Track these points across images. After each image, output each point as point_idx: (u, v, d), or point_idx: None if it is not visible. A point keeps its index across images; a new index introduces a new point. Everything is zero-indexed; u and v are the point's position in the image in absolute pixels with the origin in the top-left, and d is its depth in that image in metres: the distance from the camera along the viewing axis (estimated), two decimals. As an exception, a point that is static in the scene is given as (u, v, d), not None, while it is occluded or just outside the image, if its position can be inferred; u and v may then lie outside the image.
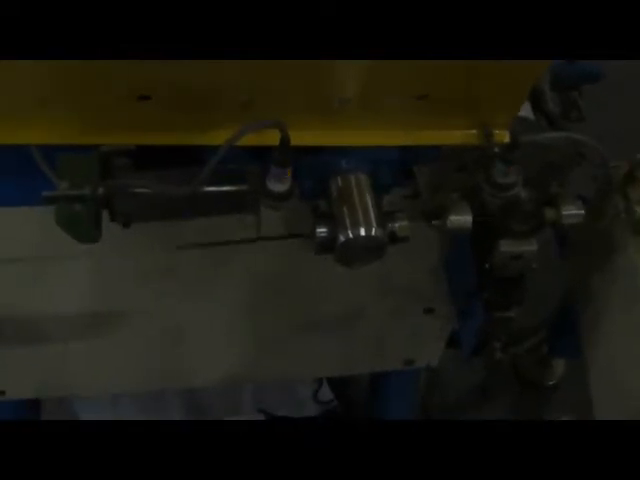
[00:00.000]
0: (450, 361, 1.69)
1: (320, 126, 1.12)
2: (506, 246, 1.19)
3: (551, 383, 2.33)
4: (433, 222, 1.19)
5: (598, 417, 1.42)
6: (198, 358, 1.55)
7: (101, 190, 1.06)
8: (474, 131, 1.16)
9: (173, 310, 1.44)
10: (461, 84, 1.09)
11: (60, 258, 1.28)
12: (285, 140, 1.04)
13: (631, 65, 1.12)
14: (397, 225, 1.15)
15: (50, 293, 1.36)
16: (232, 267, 1.37)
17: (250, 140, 1.05)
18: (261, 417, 2.09)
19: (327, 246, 1.13)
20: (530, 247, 1.20)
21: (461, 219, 1.18)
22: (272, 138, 1.05)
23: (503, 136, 1.16)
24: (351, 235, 1.11)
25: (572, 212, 1.20)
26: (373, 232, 1.12)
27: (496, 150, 1.15)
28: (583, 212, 1.20)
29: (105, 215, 1.10)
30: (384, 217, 1.14)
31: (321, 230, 1.13)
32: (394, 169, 1.20)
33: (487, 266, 1.23)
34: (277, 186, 1.09)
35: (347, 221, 1.12)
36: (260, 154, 1.09)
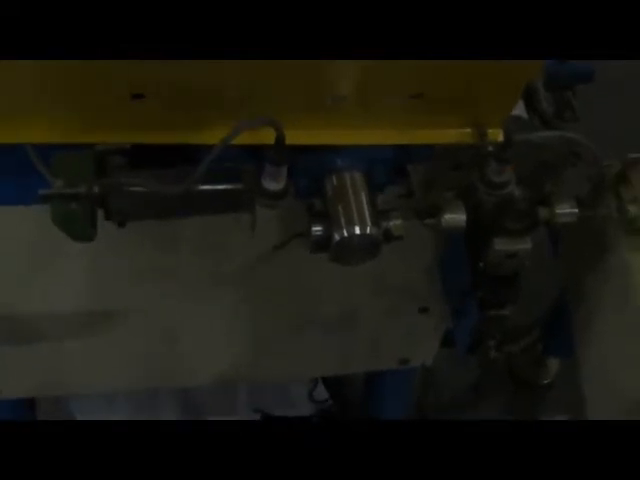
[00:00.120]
0: (445, 360, 1.70)
1: (315, 125, 1.12)
2: (500, 244, 1.20)
3: (545, 382, 2.33)
4: (427, 221, 1.20)
5: (591, 416, 1.43)
6: (194, 358, 1.55)
7: (96, 188, 1.06)
8: (468, 130, 1.17)
9: (169, 309, 1.44)
10: (455, 83, 1.09)
11: (56, 257, 1.28)
12: (280, 139, 1.05)
13: (624, 66, 1.12)
14: (392, 224, 1.15)
15: (46, 292, 1.36)
16: (228, 267, 1.37)
17: (245, 139, 1.05)
18: (256, 416, 2.09)
19: (322, 245, 1.14)
20: (524, 245, 1.20)
21: (455, 218, 1.18)
22: (267, 137, 1.06)
23: (497, 135, 1.16)
24: (346, 233, 1.12)
25: (566, 211, 1.21)
26: (368, 230, 1.12)
27: (490, 149, 1.16)
28: (577, 211, 1.21)
29: (101, 214, 1.11)
30: (379, 216, 1.14)
31: (316, 229, 1.14)
32: (389, 168, 1.21)
33: (481, 265, 1.23)
34: (272, 185, 1.09)
35: (342, 220, 1.13)
36: (255, 153, 1.09)
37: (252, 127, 1.05)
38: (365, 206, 1.14)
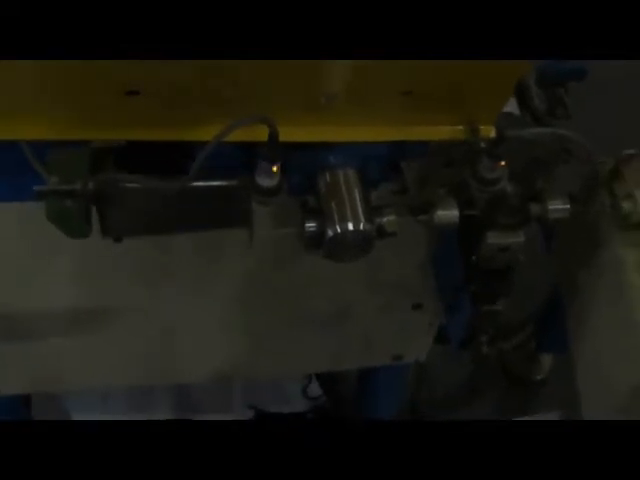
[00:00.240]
0: (438, 356, 1.70)
1: (308, 122, 1.12)
2: (493, 238, 1.20)
3: (539, 378, 2.33)
4: (420, 217, 1.20)
5: (585, 412, 1.43)
6: (188, 354, 1.55)
7: (91, 185, 1.07)
8: (460, 127, 1.17)
9: (164, 307, 1.44)
10: (447, 81, 1.10)
11: (52, 254, 1.29)
12: (274, 135, 1.05)
13: (616, 63, 1.13)
14: (385, 220, 1.15)
15: (42, 289, 1.36)
16: (222, 264, 1.37)
17: (239, 136, 1.05)
18: (251, 413, 2.09)
19: (316, 241, 1.14)
20: (517, 239, 1.21)
21: (448, 214, 1.19)
22: (261, 134, 1.06)
23: (489, 131, 1.17)
24: (339, 230, 1.12)
25: (558, 207, 1.22)
26: (361, 227, 1.13)
27: (482, 145, 1.16)
28: (569, 207, 1.22)
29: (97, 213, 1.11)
30: (372, 212, 1.15)
31: (310, 225, 1.14)
32: (382, 164, 1.21)
33: (474, 259, 1.24)
34: (266, 181, 1.09)
35: (335, 216, 1.13)
36: (249, 149, 1.10)
37: (245, 125, 1.05)
38: (358, 202, 1.14)
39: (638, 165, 1.26)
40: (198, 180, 1.08)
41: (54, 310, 1.40)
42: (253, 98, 1.06)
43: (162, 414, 2.04)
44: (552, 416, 2.08)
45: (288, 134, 1.08)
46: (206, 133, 1.06)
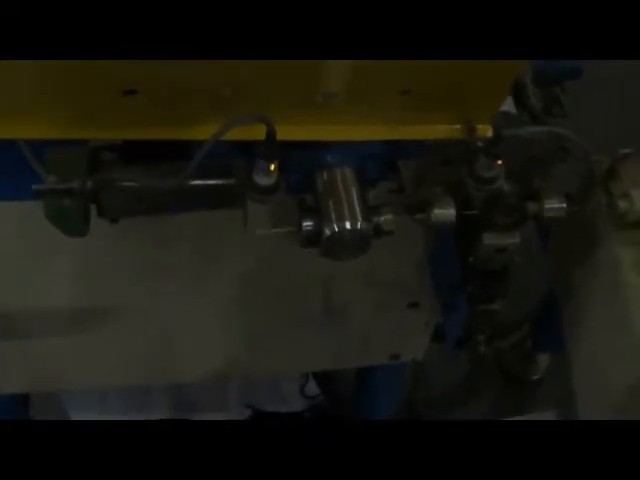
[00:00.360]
0: (435, 356, 1.70)
1: (306, 121, 1.12)
2: (489, 239, 1.20)
3: (535, 377, 2.34)
4: (417, 216, 1.20)
5: (581, 412, 1.43)
6: (187, 354, 1.55)
7: (89, 184, 1.07)
8: (458, 126, 1.17)
9: (162, 307, 1.44)
10: (444, 80, 1.10)
11: (50, 253, 1.29)
12: (271, 134, 1.06)
13: (612, 63, 1.13)
14: (382, 219, 1.16)
15: (40, 288, 1.36)
16: (219, 263, 1.38)
17: (236, 134, 1.06)
18: (248, 412, 2.09)
19: (313, 240, 1.14)
20: (513, 240, 1.21)
21: (445, 213, 1.19)
22: (258, 132, 1.06)
23: (486, 130, 1.17)
24: (336, 228, 1.12)
25: (554, 206, 1.22)
26: (358, 225, 1.13)
27: (479, 144, 1.17)
28: (565, 206, 1.22)
29: (94, 210, 1.11)
30: (369, 211, 1.15)
31: (307, 224, 1.14)
32: (379, 163, 1.21)
33: (471, 259, 1.24)
34: (264, 180, 1.10)
35: (333, 215, 1.13)
36: (247, 148, 1.10)
37: (243, 123, 1.05)
38: (356, 201, 1.14)
39: (634, 164, 1.26)
40: (196, 179, 1.09)
41: (53, 309, 1.40)
42: (251, 97, 1.06)
43: (160, 413, 2.05)
44: (548, 415, 2.08)
45: (286, 133, 1.08)
46: (204, 132, 1.06)
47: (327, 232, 1.13)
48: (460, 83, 1.11)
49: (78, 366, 1.53)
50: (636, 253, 1.27)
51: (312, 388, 2.16)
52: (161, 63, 0.97)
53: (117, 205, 1.12)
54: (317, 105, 1.10)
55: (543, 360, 2.33)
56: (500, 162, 1.18)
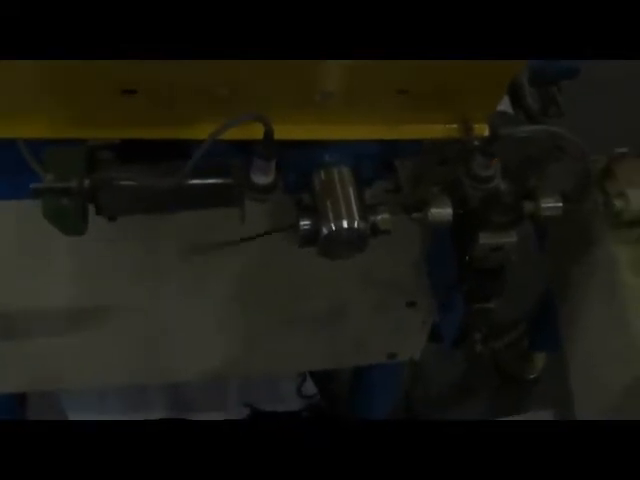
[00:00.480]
0: (432, 355, 1.71)
1: (303, 120, 1.13)
2: (486, 238, 1.21)
3: (531, 377, 2.34)
4: (414, 215, 1.21)
5: (578, 411, 1.43)
6: (184, 353, 1.56)
7: (87, 183, 1.07)
8: (454, 125, 1.17)
9: (160, 306, 1.45)
10: (441, 80, 1.10)
11: (47, 253, 1.29)
12: (269, 133, 1.06)
13: (609, 63, 1.13)
14: (379, 218, 1.16)
15: (37, 287, 1.36)
16: (217, 263, 1.38)
17: (234, 134, 1.06)
18: (246, 412, 2.09)
19: (310, 239, 1.15)
20: (510, 239, 1.21)
21: (441, 212, 1.20)
22: (256, 132, 1.07)
23: (483, 130, 1.17)
24: (334, 227, 1.13)
25: (550, 205, 1.22)
26: (355, 224, 1.13)
27: (476, 143, 1.17)
28: (561, 205, 1.22)
29: (92, 209, 1.12)
30: (366, 210, 1.15)
31: (304, 223, 1.14)
32: (376, 163, 1.22)
33: (467, 258, 1.25)
34: (261, 179, 1.10)
35: (330, 214, 1.13)
36: (244, 147, 1.10)
37: (240, 123, 1.05)
38: (353, 200, 1.14)
39: (630, 163, 1.27)
40: (193, 178, 1.09)
41: (52, 309, 1.40)
42: (248, 96, 1.07)
43: (158, 413, 2.05)
44: (545, 415, 2.08)
45: (283, 132, 1.09)
46: (202, 131, 1.06)
47: (324, 231, 1.13)
48: (457, 83, 1.11)
49: (77, 365, 1.53)
50: (632, 252, 1.28)
51: (309, 388, 2.16)
52: (160, 63, 0.97)
53: (115, 204, 1.12)
54: (314, 105, 1.10)
55: (540, 359, 2.33)
56: (496, 161, 1.18)
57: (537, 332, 1.93)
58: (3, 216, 1.22)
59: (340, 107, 1.12)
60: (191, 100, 1.07)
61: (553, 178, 1.30)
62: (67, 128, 1.09)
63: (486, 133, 1.17)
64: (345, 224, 1.13)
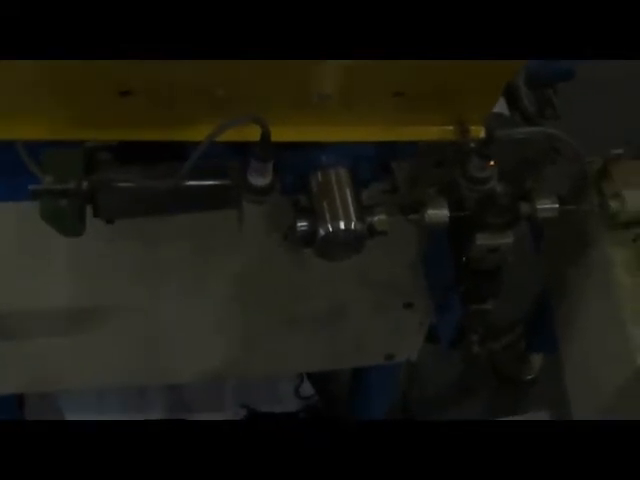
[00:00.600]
0: (429, 356, 1.71)
1: (300, 122, 1.13)
2: (482, 239, 1.21)
3: (529, 378, 2.34)
4: (411, 216, 1.21)
5: (574, 412, 1.44)
6: (182, 354, 1.56)
7: (85, 184, 1.08)
8: (451, 127, 1.18)
9: (159, 307, 1.45)
10: (438, 82, 1.10)
11: (45, 253, 1.29)
12: (266, 135, 1.06)
13: (604, 64, 1.13)
14: (376, 219, 1.16)
15: (35, 288, 1.37)
16: (217, 264, 1.38)
17: (231, 136, 1.06)
18: (243, 412, 2.10)
19: (308, 240, 1.15)
20: (506, 240, 1.22)
21: (438, 213, 1.20)
22: (253, 133, 1.07)
23: (479, 132, 1.17)
24: (331, 229, 1.13)
25: (547, 206, 1.23)
26: (352, 226, 1.13)
27: (472, 145, 1.17)
28: (557, 206, 1.22)
29: (90, 210, 1.12)
30: (363, 211, 1.16)
31: (302, 224, 1.15)
32: (373, 164, 1.22)
33: (464, 259, 1.25)
34: (259, 180, 1.10)
35: (327, 215, 1.14)
36: (242, 149, 1.11)
37: (238, 124, 1.06)
38: (350, 202, 1.15)
39: (626, 165, 1.27)
40: (191, 179, 1.10)
41: (51, 309, 1.41)
42: (246, 98, 1.07)
43: (156, 414, 2.05)
44: (542, 416, 2.09)
45: (280, 134, 1.09)
46: (200, 133, 1.07)
47: (321, 232, 1.13)
48: (453, 84, 1.11)
49: (76, 366, 1.54)
50: (628, 253, 1.28)
51: (307, 389, 2.16)
52: (158, 64, 0.98)
53: (113, 206, 1.13)
54: (311, 106, 1.11)
55: (537, 361, 2.33)
56: (493, 163, 1.18)
57: (534, 333, 1.93)
58: (2, 217, 1.23)
59: (337, 109, 1.12)
60: (189, 102, 1.07)
61: (549, 180, 1.31)
62: (65, 129, 1.09)
63: (482, 135, 1.17)
64: (342, 225, 1.13)
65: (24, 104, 1.06)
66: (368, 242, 1.17)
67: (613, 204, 1.26)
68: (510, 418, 2.11)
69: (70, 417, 2.00)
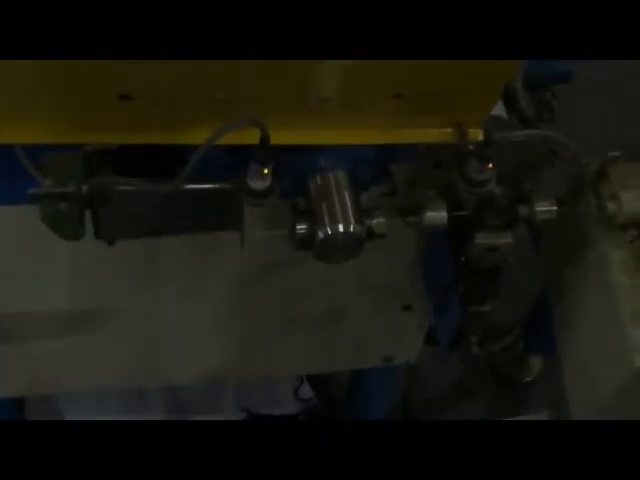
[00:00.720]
0: (428, 358, 1.71)
1: (300, 125, 1.13)
2: (482, 238, 1.22)
3: (528, 380, 2.34)
4: (410, 219, 1.22)
5: (573, 413, 1.44)
6: (181, 356, 1.56)
7: (85, 188, 1.08)
8: (449, 129, 1.18)
9: (157, 309, 1.45)
10: (436, 84, 1.11)
11: (46, 257, 1.30)
12: (265, 138, 1.06)
13: (602, 67, 1.14)
14: (375, 221, 1.16)
15: (36, 291, 1.37)
16: (215, 266, 1.39)
17: (231, 139, 1.07)
18: (242, 415, 2.10)
19: (306, 243, 1.15)
20: (505, 239, 1.22)
21: (437, 215, 1.20)
22: (252, 137, 1.07)
23: (477, 134, 1.18)
24: (330, 231, 1.13)
25: (545, 208, 1.23)
26: (351, 228, 1.14)
27: (471, 148, 1.18)
28: (556, 208, 1.23)
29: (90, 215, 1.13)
30: (362, 214, 1.16)
31: (301, 227, 1.15)
32: (372, 167, 1.22)
33: (463, 259, 1.25)
34: (258, 184, 1.10)
35: (326, 218, 1.14)
36: (241, 152, 1.11)
37: (237, 128, 1.06)
38: (349, 204, 1.15)
39: (623, 167, 1.27)
40: (190, 183, 1.10)
41: (50, 313, 1.41)
42: (246, 101, 1.07)
43: (155, 416, 2.05)
44: (542, 417, 2.09)
45: (280, 137, 1.09)
46: (199, 136, 1.07)
47: (320, 235, 1.14)
48: (452, 86, 1.11)
49: (76, 368, 1.54)
50: (625, 254, 1.29)
51: (306, 391, 2.16)
52: (157, 68, 0.98)
53: (114, 225, 1.13)
54: (310, 109, 1.11)
55: (536, 363, 2.33)
56: (491, 165, 1.19)
57: (532, 335, 1.94)
58: (1, 220, 1.23)
59: (336, 112, 1.13)
60: (189, 105, 1.08)
61: (547, 182, 1.31)
62: (65, 133, 1.09)
63: (480, 137, 1.18)
64: (341, 228, 1.14)
65: (24, 108, 1.06)
66: (367, 244, 1.17)
67: (610, 206, 1.26)
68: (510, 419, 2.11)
69: (70, 419, 2.00)
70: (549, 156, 1.28)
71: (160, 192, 1.09)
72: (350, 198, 1.16)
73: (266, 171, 1.09)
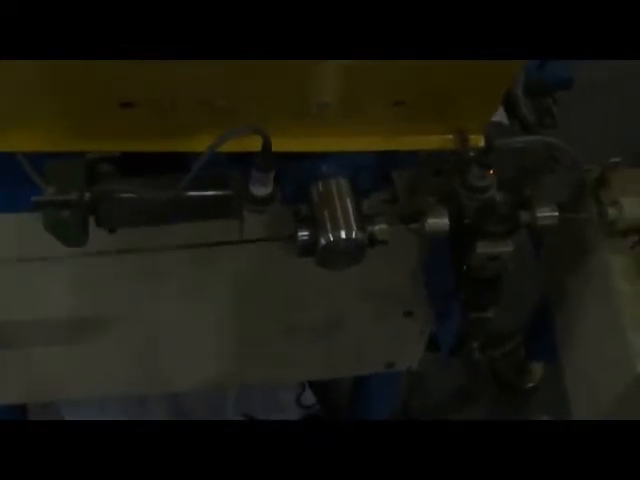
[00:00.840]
0: (430, 364, 1.71)
1: (301, 132, 1.13)
2: (483, 247, 1.22)
3: (529, 386, 2.34)
4: (411, 226, 1.22)
5: (575, 419, 1.44)
6: (182, 362, 1.56)
7: (87, 195, 1.08)
8: (450, 136, 1.18)
9: (158, 316, 1.45)
10: (437, 91, 1.11)
11: (46, 263, 1.30)
12: (267, 146, 1.06)
13: (603, 73, 1.14)
14: (377, 228, 1.17)
15: (37, 298, 1.37)
16: (216, 271, 1.39)
17: (233, 146, 1.07)
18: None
19: (309, 249, 1.15)
20: (506, 248, 1.22)
21: (438, 222, 1.20)
22: (254, 144, 1.07)
23: (478, 140, 1.18)
24: (332, 238, 1.14)
25: (546, 214, 1.23)
26: (353, 235, 1.14)
27: (472, 154, 1.18)
28: (557, 214, 1.23)
29: (92, 220, 1.12)
30: (364, 220, 1.16)
31: (303, 233, 1.15)
32: (373, 174, 1.22)
33: (465, 268, 1.25)
34: (260, 190, 1.11)
35: (328, 224, 1.14)
36: (243, 159, 1.11)
37: (239, 135, 1.06)
38: (350, 211, 1.15)
39: (624, 173, 1.28)
40: (192, 189, 1.10)
41: (52, 319, 1.41)
42: (247, 108, 1.07)
43: (156, 422, 2.05)
44: (544, 422, 2.09)
45: (282, 144, 1.09)
46: (201, 144, 1.07)
47: (322, 241, 1.14)
48: (453, 90, 1.12)
49: (77, 376, 1.54)
50: (626, 260, 1.29)
51: (308, 397, 2.16)
52: (158, 72, 0.98)
53: (115, 216, 1.13)
54: (312, 116, 1.11)
55: (538, 369, 2.33)
56: (492, 172, 1.19)
57: (534, 341, 1.94)
58: (3, 228, 1.23)
59: (337, 119, 1.13)
60: (190, 112, 1.08)
61: (548, 188, 1.31)
62: (67, 141, 1.09)
63: (482, 144, 1.18)
64: (343, 235, 1.14)
65: (25, 116, 1.07)
66: (369, 251, 1.17)
67: (611, 212, 1.26)
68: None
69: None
70: (550, 162, 1.28)
71: (162, 199, 1.09)
72: (352, 205, 1.16)
73: (268, 179, 1.09)
